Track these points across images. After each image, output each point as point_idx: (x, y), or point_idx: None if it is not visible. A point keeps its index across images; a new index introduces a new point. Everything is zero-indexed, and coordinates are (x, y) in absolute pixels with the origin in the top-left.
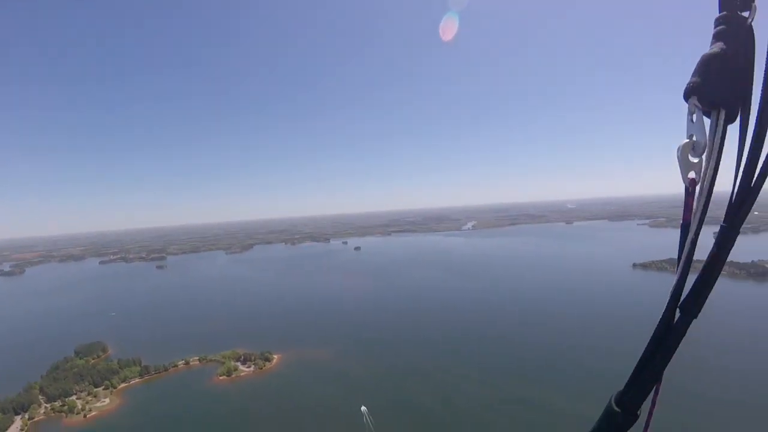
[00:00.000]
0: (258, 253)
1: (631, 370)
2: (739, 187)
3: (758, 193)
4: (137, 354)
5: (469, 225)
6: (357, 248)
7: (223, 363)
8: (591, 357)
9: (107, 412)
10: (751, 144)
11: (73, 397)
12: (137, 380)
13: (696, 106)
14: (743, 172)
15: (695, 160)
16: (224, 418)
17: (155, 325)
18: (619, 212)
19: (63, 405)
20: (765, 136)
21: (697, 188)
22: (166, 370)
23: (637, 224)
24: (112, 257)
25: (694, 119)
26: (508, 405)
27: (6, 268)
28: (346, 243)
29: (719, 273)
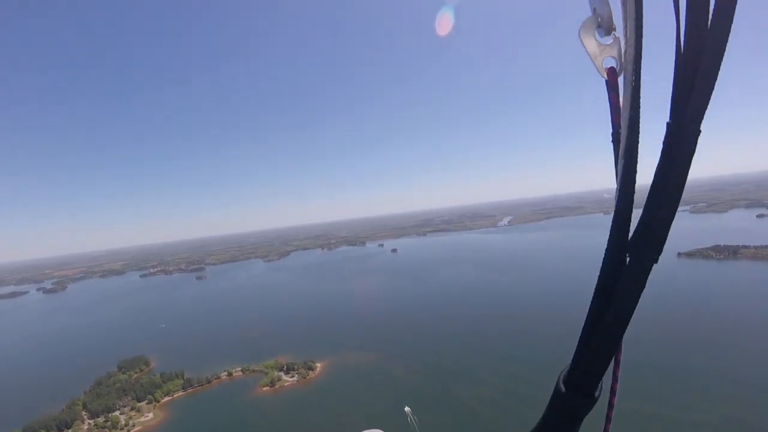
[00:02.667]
0: (296, 259)
1: (577, 339)
2: (677, 66)
3: (716, 70)
4: (180, 366)
5: (506, 221)
6: (394, 250)
7: (266, 373)
8: (643, 349)
9: (151, 427)
10: (687, 3)
11: (117, 413)
12: (180, 393)
13: None
14: (685, 45)
15: (608, 41)
16: (269, 430)
17: (197, 336)
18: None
19: (106, 421)
20: None
21: (620, 79)
22: (209, 382)
23: (678, 211)
24: (152, 270)
25: None
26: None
27: (48, 285)
28: (382, 245)
29: (679, 190)
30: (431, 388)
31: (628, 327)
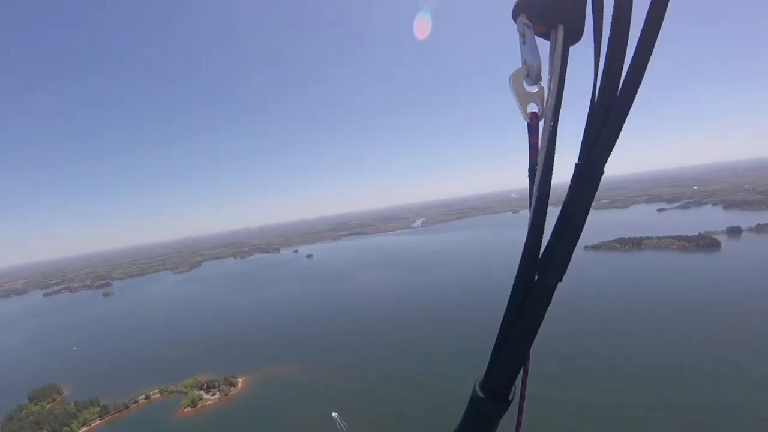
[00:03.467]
0: (207, 270)
1: (491, 349)
2: (589, 117)
3: (620, 125)
4: (94, 393)
5: (419, 222)
6: (309, 256)
7: (186, 393)
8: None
9: None
10: (606, 57)
11: None
12: (98, 422)
13: (526, 25)
14: (598, 101)
15: (533, 90)
16: None
17: (109, 358)
18: (561, 198)
19: None
20: (622, 48)
21: (541, 123)
22: (126, 407)
23: None
24: (56, 288)
25: (526, 41)
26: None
27: None
28: (297, 251)
29: (582, 220)
30: (358, 393)
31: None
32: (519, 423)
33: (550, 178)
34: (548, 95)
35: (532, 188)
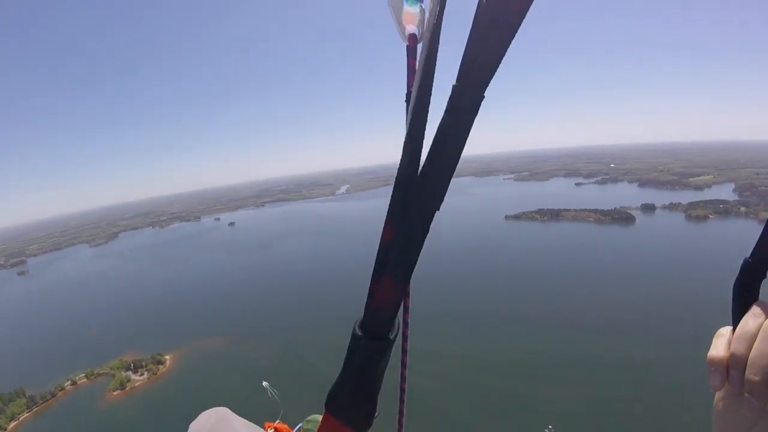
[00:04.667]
0: (125, 241)
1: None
2: (470, 38)
3: (503, 49)
4: (18, 383)
5: (343, 189)
6: (231, 224)
7: (113, 375)
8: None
9: None
10: None
11: None
12: (27, 414)
13: None
14: (478, 20)
15: (414, 11)
16: None
17: (30, 344)
18: (484, 169)
19: None
20: None
21: (419, 46)
22: (53, 396)
23: (503, 179)
24: None
25: None
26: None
27: None
28: (218, 219)
29: (458, 149)
30: (288, 361)
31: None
32: (404, 364)
33: (428, 102)
34: (428, 16)
35: (408, 112)
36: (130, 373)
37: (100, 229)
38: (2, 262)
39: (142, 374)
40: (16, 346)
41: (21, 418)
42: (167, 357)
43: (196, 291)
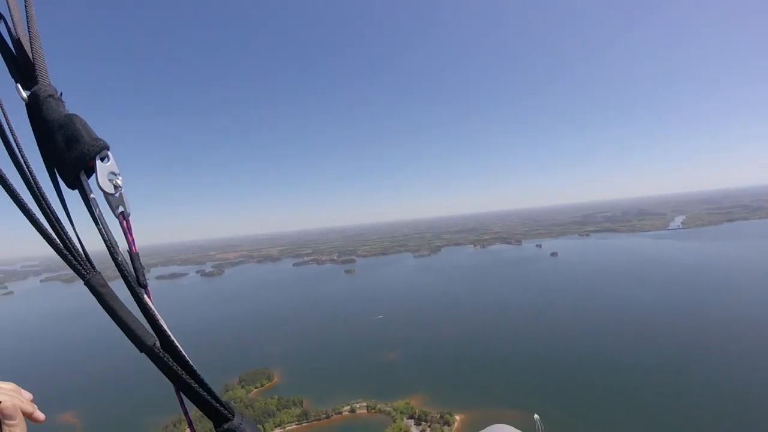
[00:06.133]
0: (446, 256)
1: None
2: None
3: None
4: (303, 387)
5: (678, 221)
6: (554, 254)
7: (393, 420)
8: None
9: None
10: None
11: None
12: (294, 427)
13: None
14: None
15: None
16: None
17: (329, 348)
18: None
19: None
20: None
21: None
22: (327, 417)
23: None
24: (306, 258)
25: None
26: None
27: (208, 268)
28: (540, 246)
29: None
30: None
31: None
32: None
33: None
34: None
35: None
36: (411, 423)
37: (426, 240)
38: (335, 258)
39: (423, 430)
40: (316, 346)
41: (287, 428)
42: (457, 417)
43: (509, 337)
